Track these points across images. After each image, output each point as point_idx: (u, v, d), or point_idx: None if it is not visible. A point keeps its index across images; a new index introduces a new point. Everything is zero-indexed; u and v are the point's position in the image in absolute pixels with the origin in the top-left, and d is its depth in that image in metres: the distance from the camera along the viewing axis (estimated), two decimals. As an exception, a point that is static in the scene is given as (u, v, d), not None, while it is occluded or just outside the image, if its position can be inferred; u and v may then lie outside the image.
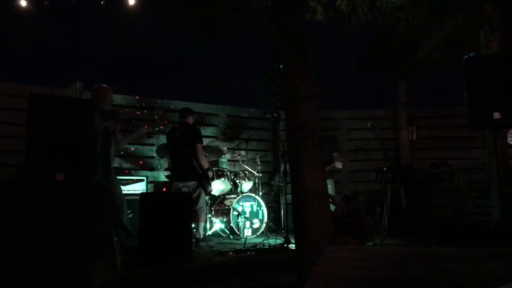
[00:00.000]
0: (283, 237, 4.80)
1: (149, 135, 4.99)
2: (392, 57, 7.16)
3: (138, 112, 6.58)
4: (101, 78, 4.24)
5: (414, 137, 7.53)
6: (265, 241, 4.77)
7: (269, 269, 3.90)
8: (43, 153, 2.80)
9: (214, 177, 5.48)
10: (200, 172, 4.97)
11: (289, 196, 4.33)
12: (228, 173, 6.02)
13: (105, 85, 4.25)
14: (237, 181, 6.05)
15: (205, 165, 5.05)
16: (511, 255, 1.56)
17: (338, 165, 5.94)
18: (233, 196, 5.96)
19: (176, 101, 6.98)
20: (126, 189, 5.33)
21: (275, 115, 5.98)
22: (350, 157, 7.70)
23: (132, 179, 5.52)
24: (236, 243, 5.02)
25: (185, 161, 4.96)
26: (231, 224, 5.53)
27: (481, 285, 1.14)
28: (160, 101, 6.82)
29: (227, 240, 5.41)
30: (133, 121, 4.18)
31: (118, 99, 6.28)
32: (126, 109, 6.37)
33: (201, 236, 4.94)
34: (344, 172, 7.63)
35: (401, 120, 7.54)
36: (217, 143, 7.01)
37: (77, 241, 2.65)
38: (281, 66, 3.42)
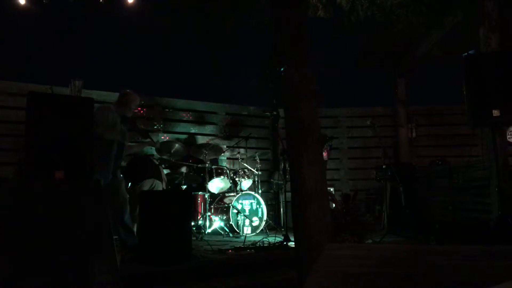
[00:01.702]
0: (283, 235, 4.80)
1: (156, 144, 5.13)
2: (391, 55, 7.15)
3: (139, 110, 6.57)
4: (99, 77, 4.24)
5: (414, 134, 7.52)
6: (264, 239, 4.78)
7: (268, 267, 3.91)
8: (43, 151, 2.79)
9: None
10: None
11: (288, 194, 4.33)
12: (228, 171, 6.02)
13: (132, 92, 4.28)
14: (237, 179, 6.04)
15: None
16: (509, 253, 1.56)
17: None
18: (232, 194, 5.95)
19: (176, 99, 6.97)
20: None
21: (275, 113, 5.97)
22: (349, 155, 7.70)
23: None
24: (235, 241, 5.02)
25: None
26: (231, 222, 5.53)
27: (480, 283, 1.15)
28: (159, 99, 6.81)
29: (227, 238, 5.41)
30: (148, 133, 4.28)
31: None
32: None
33: None
34: (343, 170, 7.63)
35: (400, 118, 7.53)
36: (217, 141, 7.01)
37: (76, 239, 2.65)
38: (282, 69, 3.39)
